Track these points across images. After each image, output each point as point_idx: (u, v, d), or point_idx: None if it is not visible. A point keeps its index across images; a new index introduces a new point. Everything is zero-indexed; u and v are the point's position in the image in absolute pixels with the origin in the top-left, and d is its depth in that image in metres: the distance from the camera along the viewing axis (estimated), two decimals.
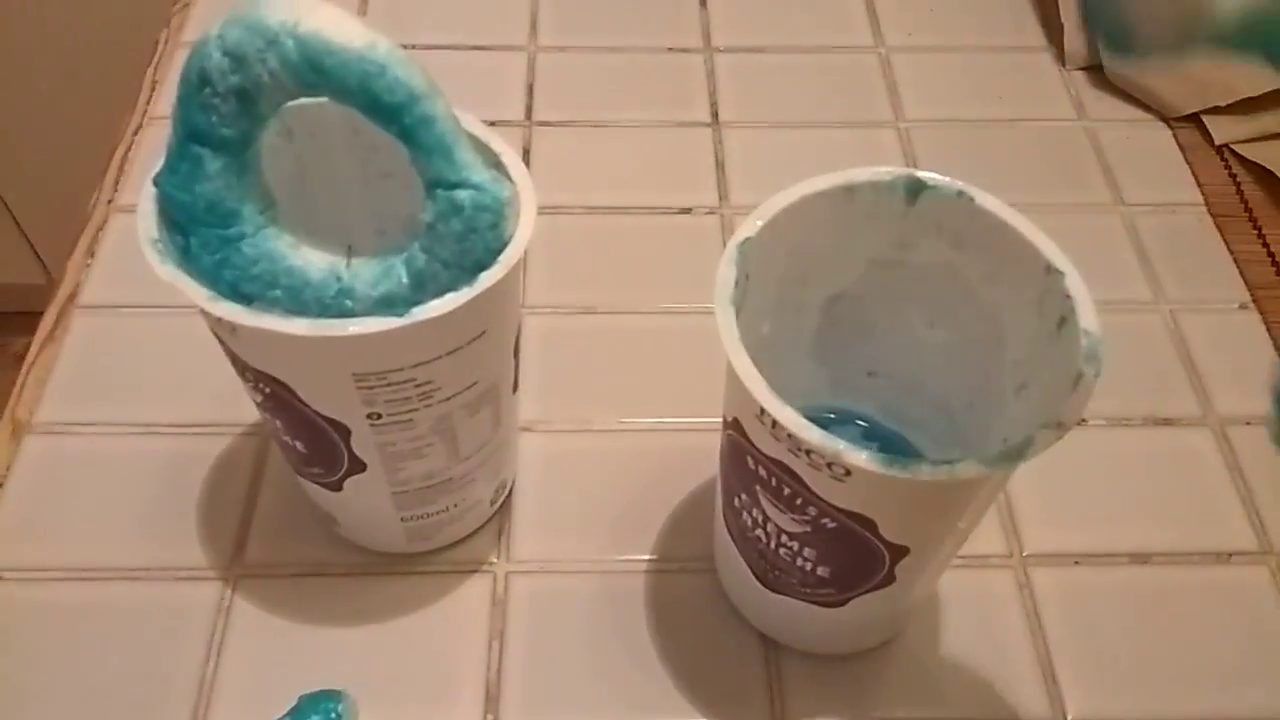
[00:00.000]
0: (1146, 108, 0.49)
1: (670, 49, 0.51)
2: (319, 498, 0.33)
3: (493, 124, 0.47)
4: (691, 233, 0.44)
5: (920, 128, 0.48)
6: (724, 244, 0.44)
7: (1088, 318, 0.25)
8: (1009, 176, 0.46)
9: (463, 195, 0.25)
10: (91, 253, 0.42)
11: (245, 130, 0.25)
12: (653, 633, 0.33)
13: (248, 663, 0.32)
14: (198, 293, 0.25)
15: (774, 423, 0.23)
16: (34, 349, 0.40)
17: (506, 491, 0.36)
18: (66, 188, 1.12)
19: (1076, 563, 0.35)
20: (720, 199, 0.45)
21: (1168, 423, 0.39)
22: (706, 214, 0.45)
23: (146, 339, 0.40)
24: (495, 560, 0.35)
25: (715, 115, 0.48)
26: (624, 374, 0.40)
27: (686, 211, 0.45)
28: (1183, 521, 0.36)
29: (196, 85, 0.24)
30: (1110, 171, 0.47)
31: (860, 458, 0.22)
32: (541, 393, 0.39)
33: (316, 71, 0.23)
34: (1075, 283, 0.25)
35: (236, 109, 0.24)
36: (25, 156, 1.10)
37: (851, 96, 0.49)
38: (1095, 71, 0.51)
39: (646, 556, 0.35)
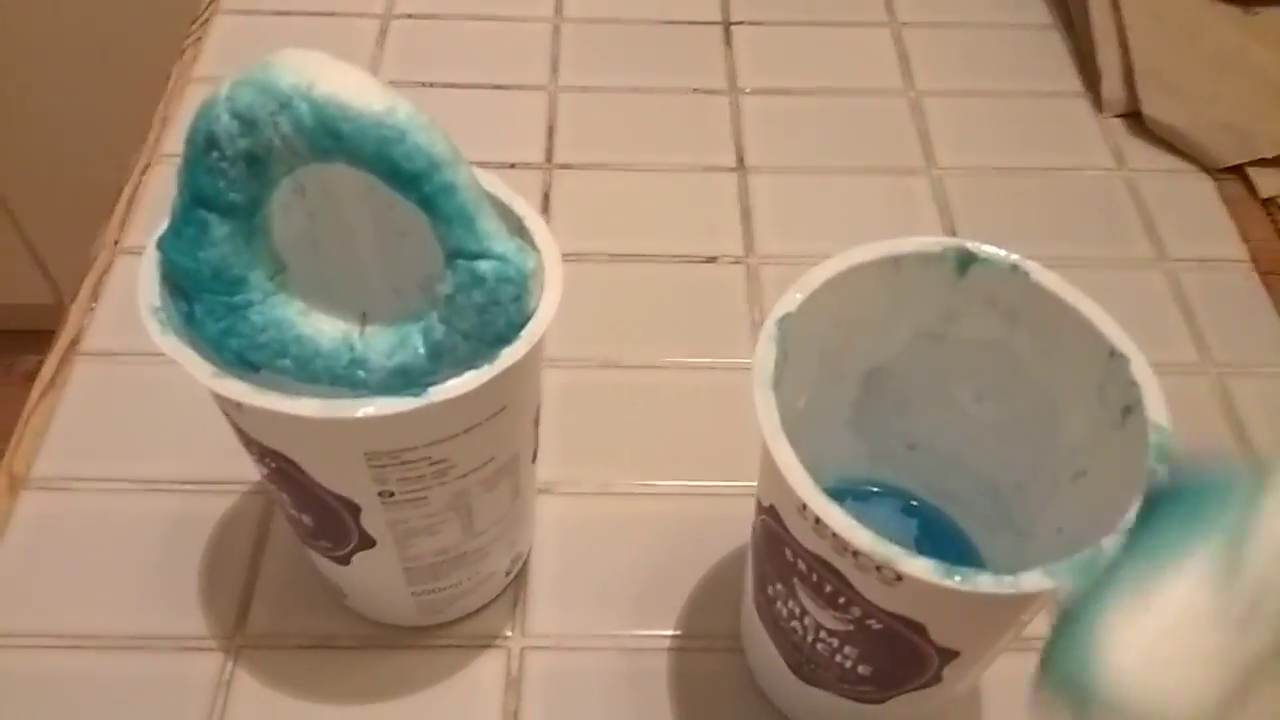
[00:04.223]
0: (1188, 158, 0.47)
1: (695, 90, 0.50)
2: (326, 569, 0.31)
3: (512, 166, 0.46)
4: (716, 283, 0.43)
5: (953, 175, 0.47)
6: (750, 295, 0.42)
7: (1157, 409, 0.23)
8: (1044, 228, 0.45)
9: (485, 266, 0.23)
10: (96, 297, 0.41)
11: (254, 195, 0.23)
12: (675, 716, 0.31)
13: None
14: (201, 369, 0.23)
15: (817, 519, 0.22)
16: (33, 397, 0.38)
17: (522, 561, 0.34)
18: (77, 207, 1.12)
19: None
20: (746, 248, 0.44)
21: None
22: (732, 263, 0.43)
23: (150, 389, 0.38)
24: (510, 634, 0.33)
25: (741, 160, 0.47)
26: (646, 432, 0.38)
27: (711, 260, 0.43)
28: None
29: (203, 148, 0.22)
30: (1151, 224, 0.45)
31: (916, 565, 0.20)
32: (559, 452, 0.37)
33: (332, 137, 0.22)
34: (1142, 369, 0.23)
35: (245, 174, 0.23)
36: (37, 175, 1.09)
37: (882, 142, 0.48)
38: (1134, 119, 0.49)
39: (669, 632, 0.33)
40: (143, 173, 0.45)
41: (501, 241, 0.24)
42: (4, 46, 0.98)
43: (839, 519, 0.21)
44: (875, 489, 0.32)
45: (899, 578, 0.21)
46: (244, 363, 0.25)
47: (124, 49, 0.98)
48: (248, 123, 0.22)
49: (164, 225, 0.24)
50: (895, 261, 0.26)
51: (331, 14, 0.52)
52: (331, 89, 0.22)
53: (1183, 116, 0.47)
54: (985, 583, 0.20)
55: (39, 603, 0.33)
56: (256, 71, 0.22)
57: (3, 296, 1.23)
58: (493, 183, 0.27)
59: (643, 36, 0.52)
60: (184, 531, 0.35)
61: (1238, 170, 0.47)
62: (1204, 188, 0.47)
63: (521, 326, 0.24)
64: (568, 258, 0.43)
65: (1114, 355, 0.24)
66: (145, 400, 0.38)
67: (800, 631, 0.26)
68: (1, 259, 1.18)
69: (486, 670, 0.32)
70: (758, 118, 0.49)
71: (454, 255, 0.24)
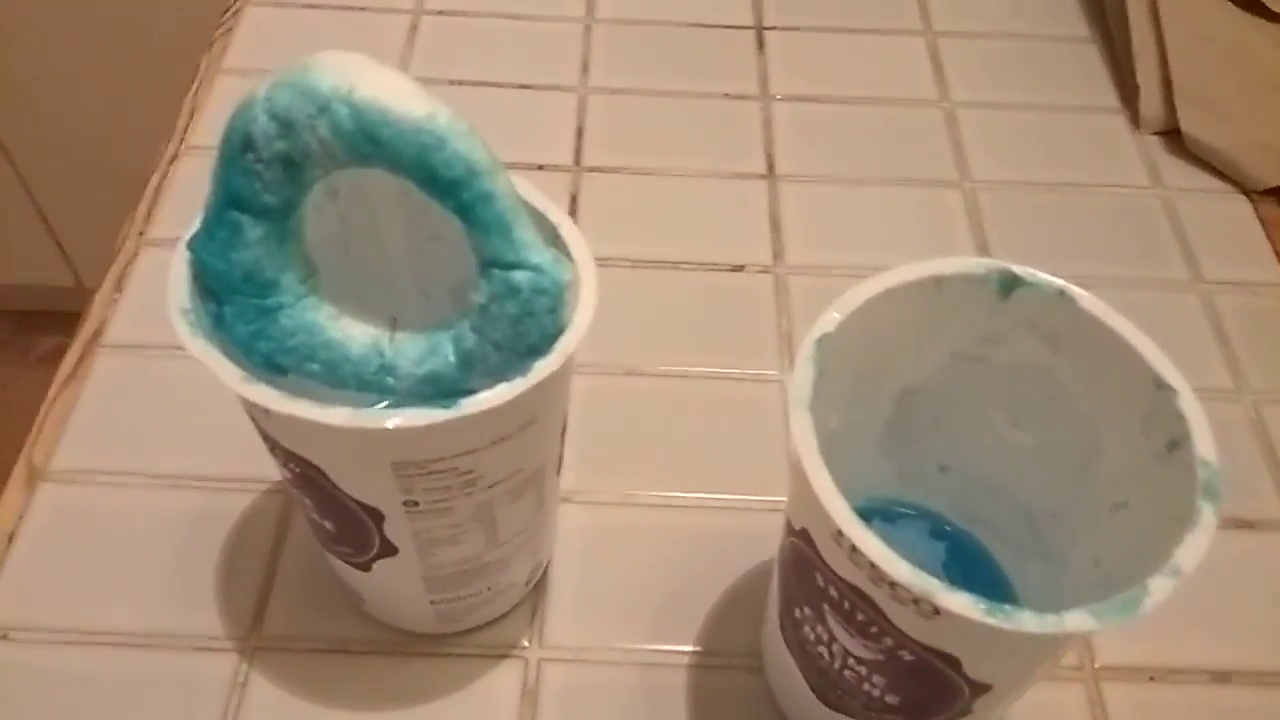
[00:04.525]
0: (1226, 178, 0.47)
1: (726, 95, 0.49)
2: (345, 574, 0.31)
3: (540, 168, 0.46)
4: (744, 292, 0.42)
5: (986, 189, 0.46)
6: (778, 306, 0.41)
7: (1205, 445, 0.22)
8: (1078, 245, 0.44)
9: (520, 277, 0.23)
10: (120, 288, 0.41)
11: (289, 198, 0.23)
12: None
13: None
14: (230, 373, 0.23)
15: (853, 548, 0.21)
16: (54, 388, 0.38)
17: (542, 570, 0.33)
18: (97, 190, 1.12)
19: (1152, 678, 0.33)
20: (775, 257, 0.43)
21: (1250, 526, 0.36)
22: (760, 272, 0.43)
23: (172, 383, 0.38)
24: (527, 645, 0.32)
25: (771, 167, 0.46)
26: (670, 443, 0.37)
27: (739, 269, 0.43)
28: (1267, 637, 0.34)
29: (239, 149, 0.22)
30: (1187, 245, 0.44)
31: (956, 601, 0.20)
32: (582, 460, 0.37)
33: (371, 142, 0.21)
34: (1190, 403, 0.23)
35: (281, 176, 0.22)
36: (58, 157, 1.09)
37: (915, 153, 0.47)
38: (1172, 137, 0.48)
39: (689, 648, 0.33)
40: (170, 163, 0.44)
41: (538, 252, 0.23)
42: (35, 30, 0.98)
43: (877, 549, 0.21)
44: (903, 509, 0.32)
45: (937, 611, 0.21)
46: (272, 366, 0.25)
47: (152, 37, 0.98)
48: (285, 125, 0.21)
49: (195, 225, 0.24)
50: (937, 282, 0.25)
51: (363, 8, 0.51)
52: (372, 93, 0.21)
53: (1222, 136, 0.47)
54: (1028, 621, 0.20)
55: (54, 596, 0.33)
56: (296, 73, 0.21)
57: (21, 278, 1.23)
58: (529, 190, 0.26)
59: (674, 39, 0.51)
60: (202, 529, 0.34)
61: (1276, 192, 0.46)
62: (1241, 209, 0.46)
63: (555, 338, 0.24)
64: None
65: (1161, 387, 0.23)
66: (167, 394, 0.37)
67: (827, 657, 0.26)
68: (21, 240, 1.18)
69: (503, 680, 0.32)
70: (789, 124, 0.48)
71: (489, 264, 0.23)
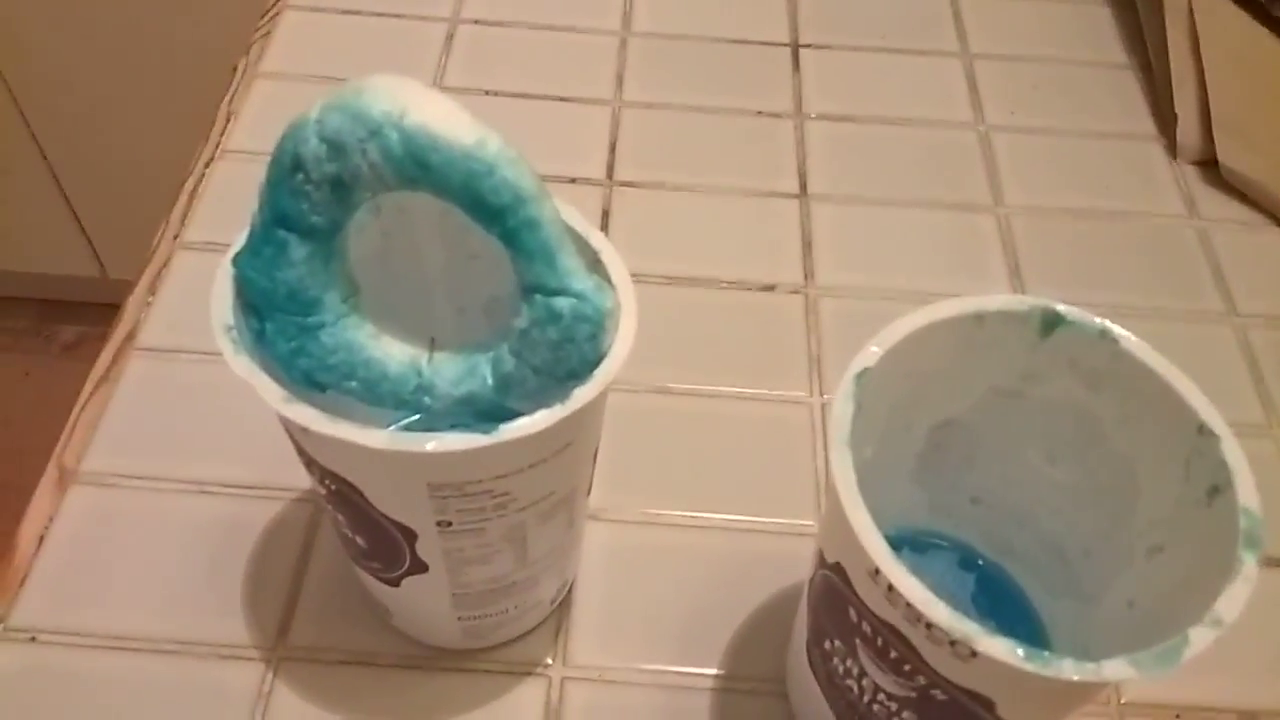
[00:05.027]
0: (1263, 210, 0.46)
1: (760, 113, 0.49)
2: (374, 588, 0.31)
3: (572, 181, 0.46)
4: (774, 312, 0.42)
5: (1020, 214, 0.46)
6: (808, 326, 0.41)
7: (1248, 493, 0.22)
8: (1110, 274, 0.44)
9: (563, 304, 0.23)
10: (153, 291, 0.41)
11: (336, 219, 0.23)
12: None
13: None
14: (273, 393, 0.23)
15: (890, 586, 0.21)
16: (87, 389, 0.38)
17: (568, 588, 0.33)
18: (125, 182, 1.12)
19: (1178, 716, 0.32)
20: (806, 277, 0.43)
21: None
22: (791, 293, 0.43)
23: (204, 388, 0.38)
24: (551, 663, 0.33)
25: (804, 186, 0.46)
26: (697, 463, 0.37)
27: (770, 289, 0.43)
28: None
29: (289, 170, 0.22)
30: (1222, 277, 0.44)
31: (994, 646, 0.20)
32: (608, 479, 0.37)
33: (421, 167, 0.21)
34: (1233, 450, 0.23)
35: (330, 198, 0.22)
36: (89, 149, 1.10)
37: (948, 176, 0.47)
38: (1209, 167, 0.48)
39: (712, 671, 0.33)
40: (206, 167, 0.45)
41: (581, 279, 0.23)
42: (72, 29, 0.99)
43: (916, 590, 0.21)
44: (933, 539, 0.32)
45: (974, 654, 0.21)
46: (311, 383, 0.25)
47: (190, 37, 0.98)
48: (336, 148, 0.21)
49: (240, 241, 0.24)
50: (978, 318, 0.25)
51: (399, 15, 0.52)
52: (423, 119, 0.21)
53: (1259, 167, 0.46)
54: (1068, 669, 0.20)
55: (82, 600, 0.33)
56: (348, 96, 0.21)
57: (47, 267, 1.24)
58: (571, 214, 0.26)
59: (709, 55, 0.51)
60: (231, 536, 0.35)
61: None
62: (1278, 241, 0.45)
63: (594, 365, 0.24)
64: None
65: (1203, 431, 0.23)
66: (198, 399, 0.38)
67: (856, 691, 0.25)
68: (48, 229, 1.19)
69: (526, 698, 0.32)
70: (823, 144, 0.48)
71: (532, 290, 0.23)
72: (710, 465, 0.37)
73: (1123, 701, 0.32)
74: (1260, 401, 0.40)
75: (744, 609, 0.34)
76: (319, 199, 0.22)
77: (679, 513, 0.36)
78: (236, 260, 0.24)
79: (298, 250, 0.23)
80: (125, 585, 0.33)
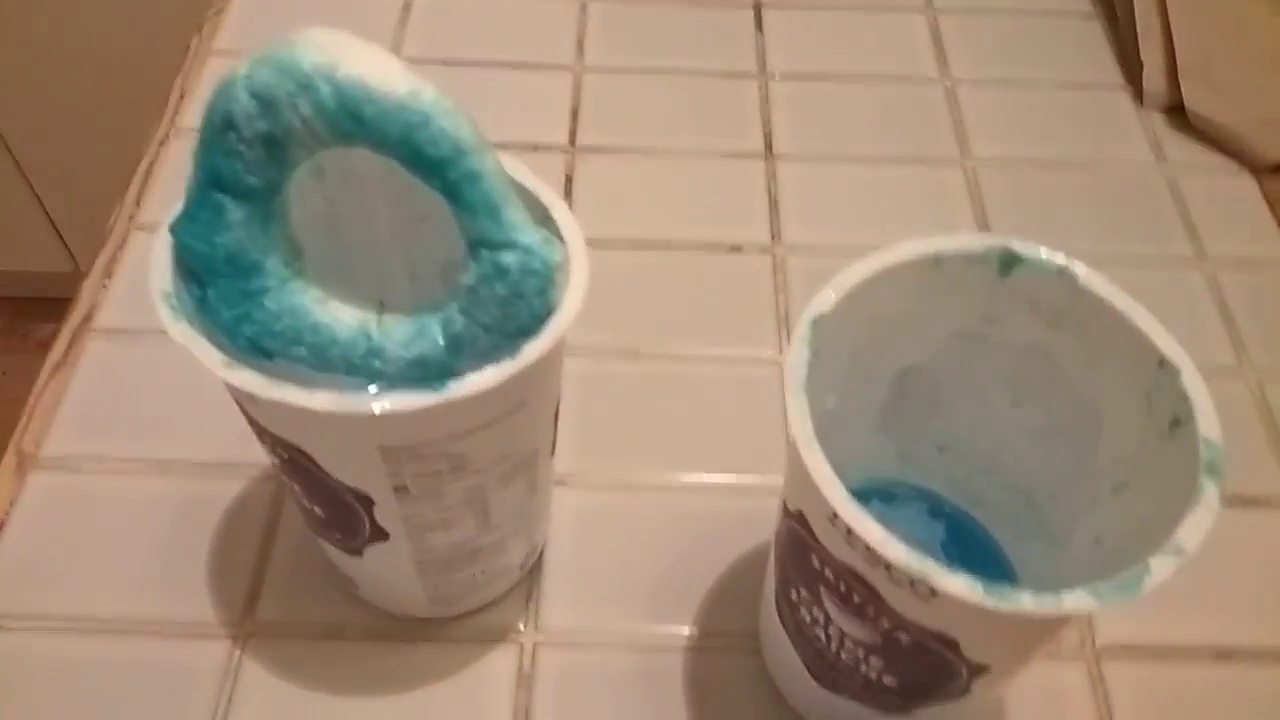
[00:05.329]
0: (1231, 155, 0.46)
1: (723, 73, 0.49)
2: (338, 559, 0.30)
3: (535, 148, 0.45)
4: (741, 273, 0.42)
5: (988, 167, 0.45)
6: (775, 286, 0.41)
7: (1208, 424, 0.22)
8: (1080, 223, 0.44)
9: (509, 258, 0.23)
10: (109, 273, 0.40)
11: (272, 178, 0.22)
12: (690, 717, 0.31)
13: None
14: (213, 358, 0.22)
15: (849, 530, 0.21)
16: (44, 375, 0.37)
17: (537, 554, 0.33)
18: (95, 176, 1.11)
19: (1154, 657, 0.32)
20: (773, 237, 0.43)
21: (1254, 503, 0.36)
22: (758, 253, 0.42)
23: (164, 368, 0.37)
24: (523, 629, 0.32)
25: (769, 146, 0.46)
26: (667, 425, 0.37)
27: (737, 249, 0.42)
28: (1270, 614, 0.33)
29: (220, 129, 0.21)
30: (1191, 222, 0.44)
31: (953, 583, 0.20)
32: (577, 444, 0.36)
33: (354, 120, 0.21)
34: (1193, 381, 0.22)
35: (264, 157, 0.22)
36: (55, 143, 1.09)
37: (915, 131, 0.47)
38: (1176, 114, 0.47)
39: (686, 630, 0.32)
40: (160, 145, 0.44)
41: (527, 232, 0.23)
42: (27, 18, 0.97)
43: (873, 532, 0.20)
44: (902, 490, 0.31)
45: (934, 593, 0.20)
46: (258, 350, 0.24)
47: (147, 20, 0.97)
48: (266, 104, 0.21)
49: (177, 208, 0.23)
50: (936, 260, 0.25)
51: None
52: (355, 71, 0.21)
53: (1227, 112, 0.46)
54: (1027, 602, 0.19)
55: (45, 584, 0.32)
56: (277, 50, 0.21)
57: (20, 264, 1.23)
58: (519, 170, 0.26)
59: (671, 17, 0.51)
60: (194, 515, 0.34)
61: None
62: (1247, 186, 0.45)
63: (545, 320, 0.23)
64: (590, 243, 0.42)
65: (1164, 365, 0.23)
66: (158, 379, 0.37)
67: (824, 639, 0.25)
68: (19, 226, 1.17)
69: (498, 665, 0.32)
70: (787, 103, 0.47)
71: (477, 245, 0.23)
72: (680, 427, 0.37)
73: (1098, 645, 0.32)
74: (1231, 343, 0.40)
75: (716, 568, 0.34)
76: (253, 158, 0.22)
77: (650, 475, 0.36)
78: (173, 227, 0.23)
79: (234, 213, 0.22)
80: (89, 568, 0.33)
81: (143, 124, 0.44)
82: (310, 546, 0.33)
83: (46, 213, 1.16)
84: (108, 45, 1.00)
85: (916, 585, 0.20)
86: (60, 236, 1.19)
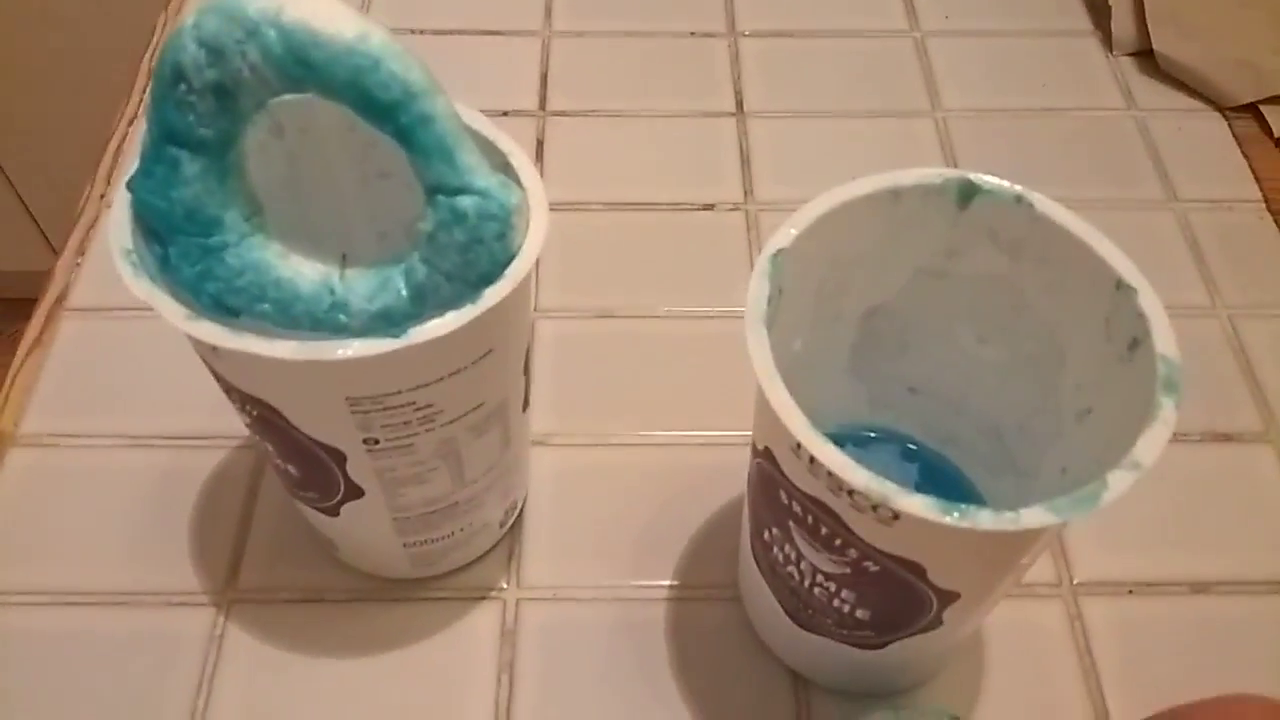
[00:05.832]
0: (1200, 96, 0.46)
1: (692, 33, 0.48)
2: (316, 521, 0.30)
3: (505, 114, 0.45)
4: (715, 230, 0.42)
5: (958, 117, 0.45)
6: (749, 242, 0.41)
7: (1165, 341, 0.22)
8: (1053, 170, 0.44)
9: (466, 202, 0.23)
10: (82, 251, 0.40)
11: (226, 130, 0.22)
12: (673, 667, 0.31)
13: (241, 695, 0.30)
14: (174, 311, 0.22)
15: (811, 459, 0.21)
16: (20, 354, 0.37)
17: (517, 512, 0.33)
18: (75, 173, 1.11)
19: (1130, 591, 0.33)
20: (745, 194, 0.43)
21: (1227, 438, 0.36)
22: (730, 210, 0.42)
23: (139, 344, 0.37)
24: (505, 586, 0.32)
25: (740, 104, 0.46)
26: (643, 383, 0.37)
27: (709, 208, 0.42)
28: (1245, 547, 0.34)
29: (170, 81, 0.21)
30: (1161, 165, 0.44)
31: (912, 503, 0.20)
32: (554, 403, 0.36)
33: (302, 65, 0.21)
34: (1150, 300, 0.23)
35: (215, 107, 0.22)
36: (34, 141, 1.08)
37: (885, 84, 0.47)
38: (1145, 57, 0.47)
39: (667, 582, 0.33)
40: (129, 124, 0.44)
41: (483, 176, 0.23)
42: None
43: (834, 457, 0.20)
44: (875, 434, 0.32)
45: (896, 516, 0.20)
46: (222, 307, 0.24)
47: (118, 8, 0.96)
48: (215, 52, 0.21)
49: (134, 164, 0.23)
50: (894, 194, 0.25)
51: None
52: (301, 15, 0.21)
53: (1195, 53, 0.46)
54: (985, 519, 0.19)
55: (28, 559, 0.32)
56: None
57: (3, 264, 1.22)
58: (475, 118, 0.26)
59: None
60: (174, 487, 0.34)
61: (1251, 109, 0.46)
62: (1216, 127, 0.45)
63: (506, 265, 0.24)
64: (563, 207, 0.42)
65: (1121, 286, 0.23)
66: (133, 355, 0.37)
67: (797, 577, 0.25)
68: (2, 227, 1.17)
69: (481, 622, 0.32)
70: (757, 61, 0.47)
71: (434, 191, 0.23)
72: (657, 384, 0.37)
73: (1075, 581, 0.33)
74: (1204, 283, 0.40)
75: (695, 520, 0.34)
76: (204, 109, 0.22)
77: (628, 432, 0.36)
78: (130, 183, 0.23)
79: (190, 166, 0.22)
80: (72, 542, 0.33)
81: (116, 113, 0.44)
82: (291, 514, 0.33)
83: (29, 212, 1.16)
84: (83, 40, 0.99)
85: (879, 510, 0.21)
86: (45, 236, 1.19)
